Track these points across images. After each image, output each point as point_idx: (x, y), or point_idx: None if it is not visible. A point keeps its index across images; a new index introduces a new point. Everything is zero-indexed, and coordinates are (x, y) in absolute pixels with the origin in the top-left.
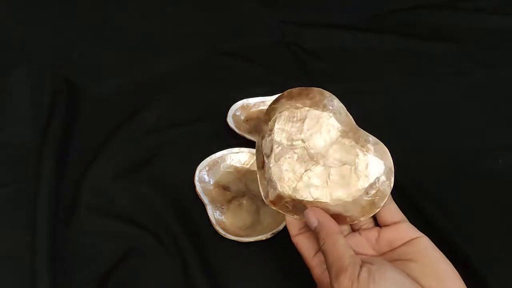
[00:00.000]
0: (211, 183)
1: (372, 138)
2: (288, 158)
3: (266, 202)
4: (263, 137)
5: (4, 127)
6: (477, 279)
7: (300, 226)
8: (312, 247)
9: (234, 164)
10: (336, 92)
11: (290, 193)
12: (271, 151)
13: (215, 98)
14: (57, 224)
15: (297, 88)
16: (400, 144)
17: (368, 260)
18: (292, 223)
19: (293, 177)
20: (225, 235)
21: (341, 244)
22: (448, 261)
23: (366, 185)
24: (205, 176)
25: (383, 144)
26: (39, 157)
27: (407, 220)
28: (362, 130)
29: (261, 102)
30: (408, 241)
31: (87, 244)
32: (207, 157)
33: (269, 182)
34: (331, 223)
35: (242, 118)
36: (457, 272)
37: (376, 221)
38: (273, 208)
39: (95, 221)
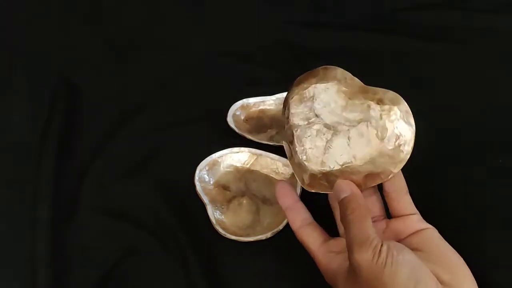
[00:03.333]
0: (211, 182)
1: (382, 90)
2: (308, 136)
3: (305, 188)
4: (283, 128)
5: (4, 127)
6: (477, 279)
7: (302, 218)
8: (318, 237)
9: (234, 164)
10: None
11: (319, 168)
12: (293, 136)
13: (215, 98)
14: (57, 224)
15: (304, 74)
16: None
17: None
18: (294, 216)
19: (318, 152)
20: (225, 234)
21: (369, 220)
22: (454, 250)
23: (385, 134)
24: (205, 176)
25: (393, 92)
26: (39, 157)
27: (418, 213)
28: (372, 87)
29: (261, 102)
30: (414, 232)
31: (87, 244)
32: (207, 157)
33: (300, 166)
34: (363, 200)
35: (242, 118)
36: (463, 261)
37: (388, 214)
38: (313, 191)
39: (95, 221)
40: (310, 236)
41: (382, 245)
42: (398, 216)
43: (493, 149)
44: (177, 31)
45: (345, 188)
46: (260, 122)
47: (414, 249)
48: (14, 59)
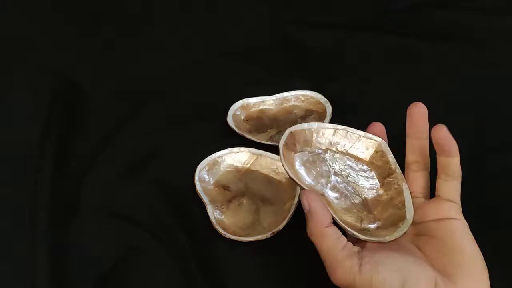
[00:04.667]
0: (211, 182)
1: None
2: None
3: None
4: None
5: (4, 126)
6: None
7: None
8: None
9: (234, 164)
10: (337, 92)
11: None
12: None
13: (215, 98)
14: (57, 224)
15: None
16: (400, 144)
17: (368, 246)
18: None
19: None
20: (225, 234)
21: (330, 237)
22: (476, 249)
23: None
24: (205, 175)
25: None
26: (39, 156)
27: (459, 203)
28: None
29: (261, 102)
30: (441, 219)
31: (87, 244)
32: (207, 157)
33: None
34: (322, 212)
35: (242, 118)
36: (482, 262)
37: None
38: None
39: (95, 221)
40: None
41: (363, 260)
42: (438, 198)
43: (493, 149)
44: (177, 31)
45: (304, 203)
46: (260, 122)
47: (430, 235)
48: (14, 59)
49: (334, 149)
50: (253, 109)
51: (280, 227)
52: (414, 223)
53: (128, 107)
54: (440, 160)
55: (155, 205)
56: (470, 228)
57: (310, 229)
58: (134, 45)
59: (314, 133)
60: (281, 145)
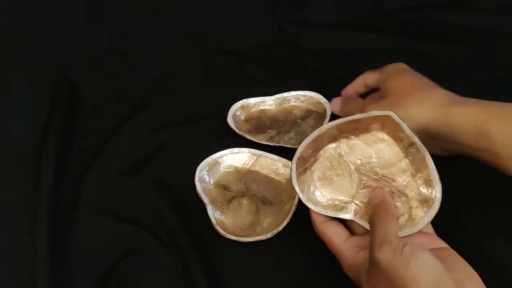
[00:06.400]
0: (211, 183)
1: None
2: None
3: None
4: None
5: (4, 127)
6: None
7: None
8: (342, 232)
9: (234, 164)
10: (337, 92)
11: None
12: None
13: (215, 98)
14: (57, 224)
15: None
16: None
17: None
18: (317, 213)
19: None
20: (225, 235)
21: (391, 225)
22: (469, 265)
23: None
24: (205, 176)
25: None
26: (39, 157)
27: (434, 233)
28: None
29: (261, 102)
30: (434, 248)
31: (87, 244)
32: (207, 157)
33: None
34: (390, 207)
35: (242, 118)
36: (480, 279)
37: None
38: None
39: (95, 221)
40: (335, 231)
41: (404, 245)
42: (422, 233)
43: None
44: (177, 31)
45: (379, 195)
46: (260, 122)
47: None
48: (14, 59)
49: (344, 137)
50: (253, 109)
51: (280, 227)
52: None
53: (128, 107)
54: None
55: (155, 205)
56: None
57: (380, 213)
58: (134, 45)
59: (316, 140)
60: (294, 180)
